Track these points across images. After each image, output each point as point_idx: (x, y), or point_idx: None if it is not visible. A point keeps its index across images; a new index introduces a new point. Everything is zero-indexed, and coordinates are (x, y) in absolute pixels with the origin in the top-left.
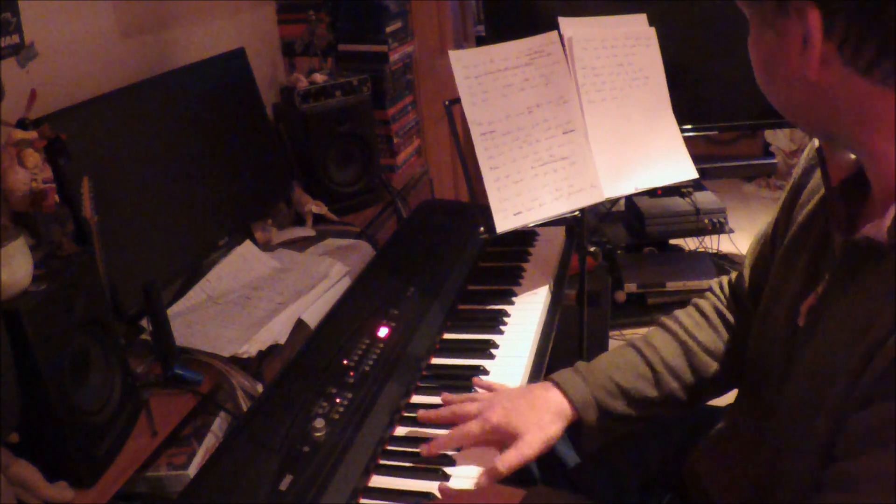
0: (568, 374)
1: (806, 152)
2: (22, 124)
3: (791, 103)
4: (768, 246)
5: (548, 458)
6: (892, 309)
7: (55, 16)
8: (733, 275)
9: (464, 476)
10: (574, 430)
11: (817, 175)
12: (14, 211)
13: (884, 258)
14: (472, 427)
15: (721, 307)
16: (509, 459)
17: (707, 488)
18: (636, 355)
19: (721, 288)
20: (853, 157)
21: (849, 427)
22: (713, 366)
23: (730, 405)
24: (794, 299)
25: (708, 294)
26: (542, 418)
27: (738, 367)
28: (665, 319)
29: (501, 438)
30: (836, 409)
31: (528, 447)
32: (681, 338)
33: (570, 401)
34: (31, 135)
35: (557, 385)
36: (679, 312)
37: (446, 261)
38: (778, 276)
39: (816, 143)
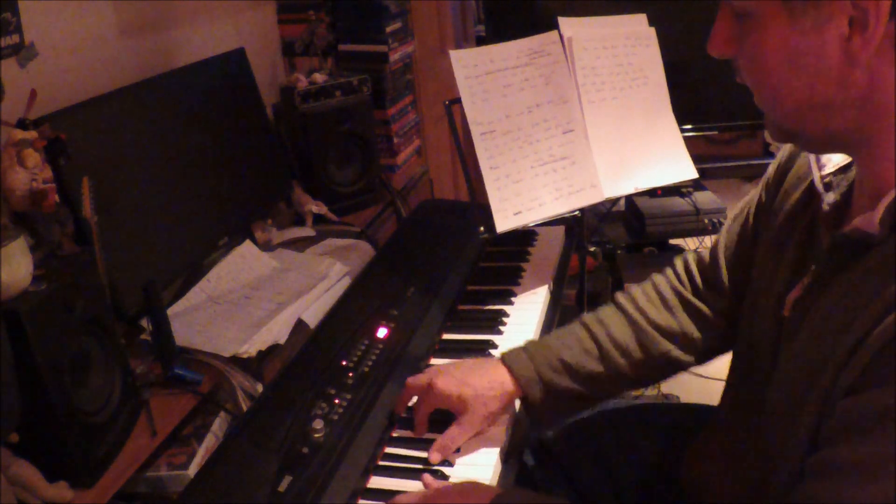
0: (516, 351)
1: None
2: (22, 124)
3: (810, 102)
4: (749, 230)
5: (547, 457)
6: (880, 300)
7: (55, 16)
8: (705, 253)
9: (462, 477)
10: (527, 407)
11: (802, 159)
12: (14, 211)
13: (871, 250)
14: (421, 396)
15: (681, 288)
16: (453, 435)
17: (703, 486)
18: (584, 331)
19: (686, 267)
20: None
21: (833, 415)
22: (665, 345)
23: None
24: (780, 291)
25: (668, 272)
26: (486, 394)
27: (699, 349)
28: (619, 295)
29: (449, 407)
30: (822, 400)
31: (469, 426)
32: (631, 315)
33: (515, 378)
34: (31, 135)
35: (504, 362)
36: (634, 289)
37: (446, 261)
38: (764, 268)
39: None
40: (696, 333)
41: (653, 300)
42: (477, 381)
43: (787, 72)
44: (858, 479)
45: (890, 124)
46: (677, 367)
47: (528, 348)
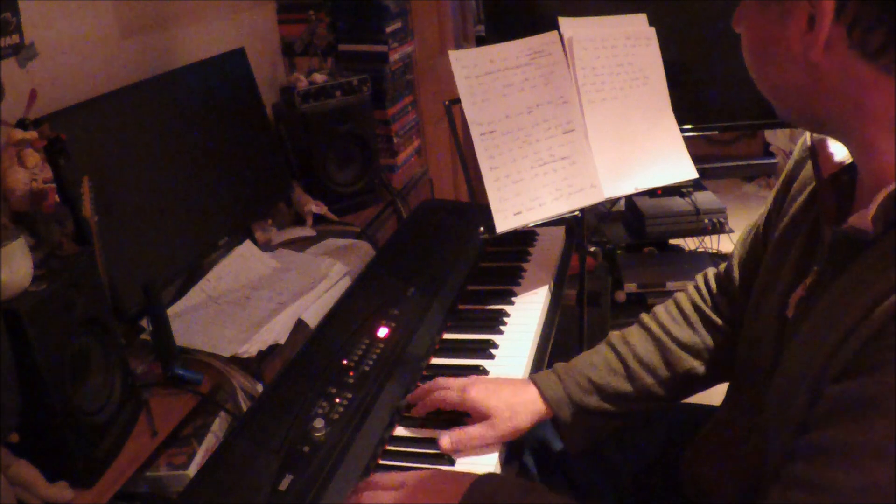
0: (546, 373)
1: (799, 143)
2: (22, 124)
3: (784, 87)
4: (760, 238)
5: (545, 455)
6: (870, 292)
7: (55, 16)
8: (721, 266)
9: None
10: (558, 428)
11: (809, 166)
12: (14, 211)
13: (869, 248)
14: (451, 395)
15: (700, 304)
16: (474, 434)
17: (701, 483)
18: (610, 352)
19: (706, 282)
20: (843, 150)
21: (821, 400)
22: (690, 362)
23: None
24: (784, 292)
25: (690, 289)
26: (516, 408)
27: (720, 363)
28: (643, 316)
29: (476, 416)
30: (813, 389)
31: (493, 431)
32: (655, 334)
33: (545, 398)
34: (31, 135)
35: (535, 383)
36: (658, 308)
37: (446, 261)
38: (769, 269)
39: (808, 137)
40: (717, 349)
41: (676, 318)
42: (509, 395)
43: (762, 56)
44: (844, 463)
45: (881, 122)
46: (702, 383)
47: (556, 370)
